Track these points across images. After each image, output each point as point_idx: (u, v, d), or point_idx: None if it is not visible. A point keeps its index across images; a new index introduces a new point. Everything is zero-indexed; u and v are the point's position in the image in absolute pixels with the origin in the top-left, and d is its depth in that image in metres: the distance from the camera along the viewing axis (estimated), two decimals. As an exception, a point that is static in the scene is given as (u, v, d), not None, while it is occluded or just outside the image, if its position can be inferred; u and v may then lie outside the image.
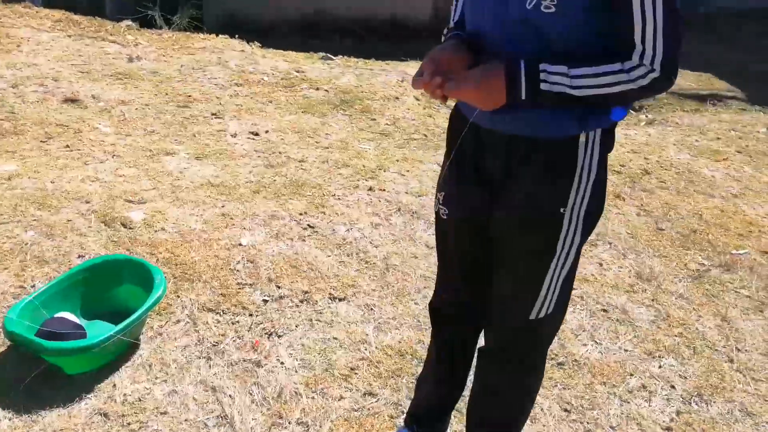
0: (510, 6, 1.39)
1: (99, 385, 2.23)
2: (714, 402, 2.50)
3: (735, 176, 4.61)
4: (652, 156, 4.78)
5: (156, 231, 3.03)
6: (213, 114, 4.31)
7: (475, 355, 1.89)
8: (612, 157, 4.74)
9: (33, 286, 2.61)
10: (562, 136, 1.45)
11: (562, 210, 1.50)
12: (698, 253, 3.52)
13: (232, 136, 4.03)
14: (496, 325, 1.73)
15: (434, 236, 1.84)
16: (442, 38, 1.61)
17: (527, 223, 1.54)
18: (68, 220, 3.02)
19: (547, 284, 1.58)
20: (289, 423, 2.17)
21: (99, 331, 2.41)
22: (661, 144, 5.08)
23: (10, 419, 2.05)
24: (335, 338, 2.57)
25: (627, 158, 4.67)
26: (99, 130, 3.86)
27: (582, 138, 1.45)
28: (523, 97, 1.36)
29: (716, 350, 2.79)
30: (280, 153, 3.90)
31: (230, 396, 2.24)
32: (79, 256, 2.81)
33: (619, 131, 5.24)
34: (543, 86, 1.35)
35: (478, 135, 1.55)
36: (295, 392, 2.29)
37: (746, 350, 2.82)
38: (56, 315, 2.37)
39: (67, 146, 3.65)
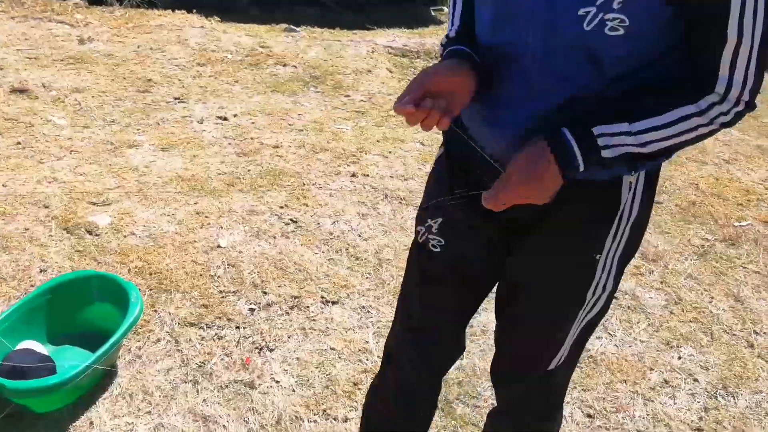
0: (560, 25, 1.05)
1: (74, 424, 1.97)
2: (740, 394, 2.36)
3: (723, 141, 4.48)
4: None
5: (125, 236, 2.74)
6: (176, 98, 3.97)
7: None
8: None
9: (-11, 310, 2.32)
10: (607, 177, 1.16)
11: (596, 257, 1.23)
12: (700, 227, 3.37)
13: (198, 122, 3.72)
14: (507, 382, 1.47)
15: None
16: (441, 53, 1.26)
17: (555, 269, 1.26)
18: (26, 229, 2.71)
19: (571, 335, 1.32)
20: (293, 453, 1.96)
21: (69, 358, 2.14)
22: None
23: (-28, 473, 1.80)
24: (333, 348, 2.35)
25: (614, 126, 4.49)
26: (53, 123, 3.51)
27: (628, 179, 1.17)
28: (583, 170, 1.07)
29: (734, 335, 2.65)
30: (252, 139, 3.61)
31: (223, 426, 2.01)
32: (41, 270, 2.51)
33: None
34: (605, 153, 1.06)
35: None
36: (296, 416, 2.07)
37: (764, 333, 2.68)
38: (20, 345, 2.09)
39: (19, 143, 3.30)
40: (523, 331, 1.37)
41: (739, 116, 1.04)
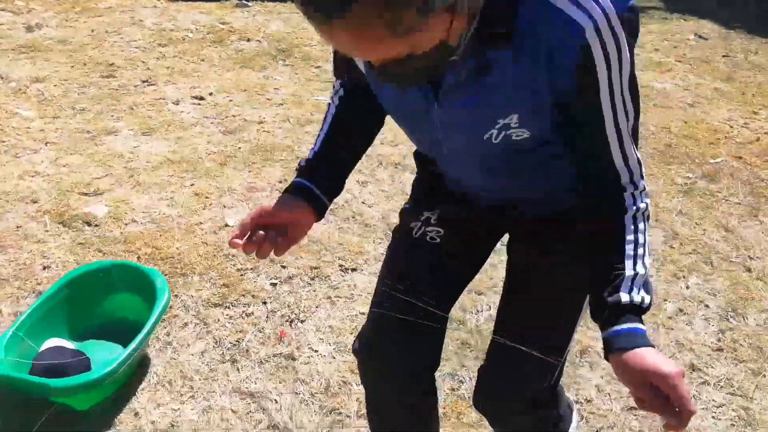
0: (472, 146, 1.15)
1: (119, 417, 1.92)
2: (749, 314, 2.49)
3: (683, 86, 4.64)
4: (601, 73, 4.71)
5: (126, 224, 2.64)
6: (144, 81, 3.83)
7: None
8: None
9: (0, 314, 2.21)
10: None
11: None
12: (680, 167, 3.50)
13: (174, 103, 3.60)
14: (504, 393, 1.38)
15: None
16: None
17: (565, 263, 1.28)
18: (18, 227, 2.58)
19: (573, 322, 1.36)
20: (349, 417, 1.96)
21: (99, 352, 2.08)
22: (604, 59, 5.02)
23: (27, 476, 1.73)
24: (362, 313, 2.35)
25: (579, 78, 4.59)
26: (20, 116, 3.34)
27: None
28: (644, 327, 1.05)
29: (732, 262, 2.78)
30: (233, 116, 3.52)
31: (274, 400, 1.99)
32: (44, 267, 2.41)
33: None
34: (646, 300, 1.06)
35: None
36: (343, 381, 2.07)
37: (758, 257, 2.83)
38: (46, 344, 2.01)
39: (-12, 139, 3.13)
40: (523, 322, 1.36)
41: (645, 192, 1.12)
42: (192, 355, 2.13)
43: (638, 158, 1.11)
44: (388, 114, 1.26)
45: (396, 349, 1.38)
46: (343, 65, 1.28)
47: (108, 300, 2.17)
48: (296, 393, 2.02)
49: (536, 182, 1.26)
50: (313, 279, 2.48)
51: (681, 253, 2.80)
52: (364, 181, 3.08)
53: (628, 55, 0.99)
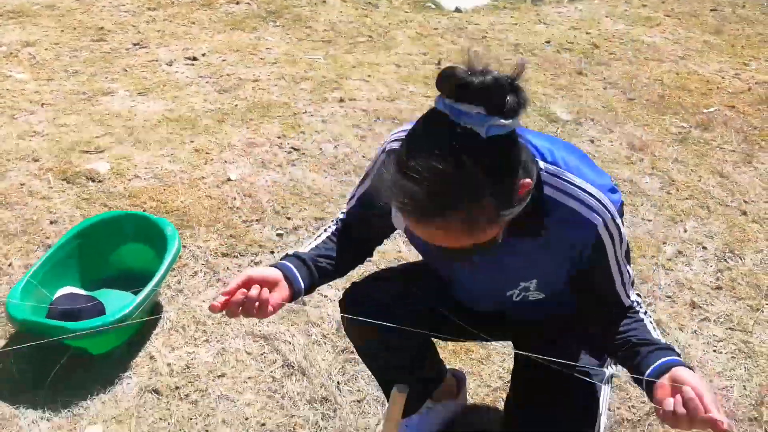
0: (493, 298, 1.38)
1: (134, 361, 1.95)
2: (745, 255, 2.55)
3: (673, 39, 4.66)
4: (592, 30, 4.73)
5: (129, 180, 2.65)
6: (135, 44, 3.80)
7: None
8: (557, 35, 4.65)
9: (10, 265, 2.22)
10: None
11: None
12: (674, 117, 3.54)
13: (167, 64, 3.58)
14: None
15: None
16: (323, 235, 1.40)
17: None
18: (21, 184, 2.58)
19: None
20: (361, 357, 2.00)
21: (112, 300, 2.10)
22: (595, 17, 5.03)
23: (49, 419, 1.75)
24: (368, 261, 2.37)
25: (571, 35, 4.60)
26: (13, 78, 3.31)
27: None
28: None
29: (728, 206, 2.84)
30: (228, 75, 3.51)
31: (287, 341, 2.03)
32: (51, 222, 2.41)
33: (551, 9, 5.16)
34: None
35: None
36: (354, 324, 2.11)
37: (753, 201, 2.89)
38: (60, 292, 2.03)
39: (-17, 101, 3.10)
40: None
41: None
42: (203, 301, 2.16)
43: (633, 292, 1.33)
44: (415, 245, 1.42)
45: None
46: (364, 218, 1.40)
47: (119, 250, 2.19)
48: (308, 335, 2.06)
49: (539, 314, 1.44)
50: (318, 229, 2.50)
51: (678, 199, 2.85)
52: (362, 135, 3.09)
53: (624, 232, 1.23)
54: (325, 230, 1.41)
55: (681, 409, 1.04)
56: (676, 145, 3.27)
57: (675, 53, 4.42)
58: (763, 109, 3.62)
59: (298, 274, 1.25)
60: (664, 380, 1.10)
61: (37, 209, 2.46)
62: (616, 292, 1.28)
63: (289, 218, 2.54)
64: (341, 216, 1.44)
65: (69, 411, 1.78)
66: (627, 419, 1.87)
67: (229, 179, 2.71)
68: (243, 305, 1.15)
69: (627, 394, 1.94)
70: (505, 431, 1.58)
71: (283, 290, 1.21)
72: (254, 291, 1.15)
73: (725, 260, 2.52)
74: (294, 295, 1.24)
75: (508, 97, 0.98)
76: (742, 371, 2.05)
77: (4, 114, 3.02)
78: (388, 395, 1.65)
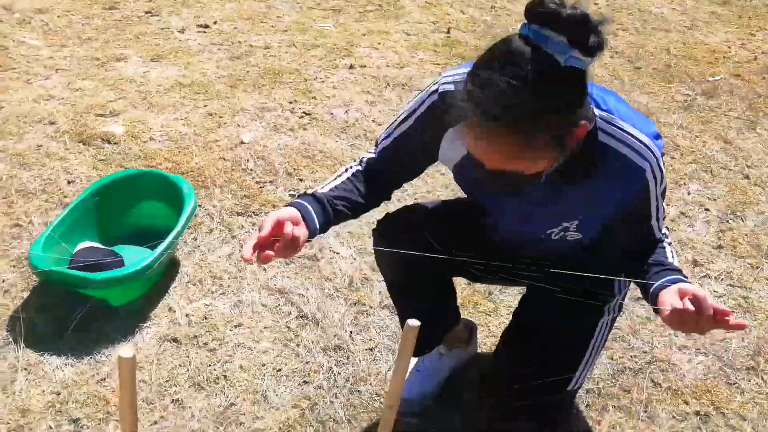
0: (532, 237, 1.44)
1: (154, 312, 2.02)
2: (747, 216, 2.61)
3: (681, 10, 4.67)
4: (600, 1, 4.74)
5: (145, 142, 2.71)
6: (147, 12, 3.83)
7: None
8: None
9: (30, 222, 2.29)
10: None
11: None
12: (680, 86, 3.57)
13: (179, 32, 3.62)
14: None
15: None
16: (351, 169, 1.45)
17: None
18: (38, 146, 2.64)
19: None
20: (372, 308, 2.07)
21: (129, 255, 2.16)
22: (602, -12, 5.03)
23: (73, 365, 1.83)
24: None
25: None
26: (27, 44, 3.35)
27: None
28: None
29: (730, 170, 2.89)
30: (240, 43, 3.55)
31: (301, 295, 2.10)
32: (69, 182, 2.48)
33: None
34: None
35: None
36: (365, 278, 2.17)
37: (755, 165, 2.93)
38: (80, 246, 2.10)
39: (-1, 66, 3.15)
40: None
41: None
42: (219, 257, 2.23)
43: (664, 226, 1.44)
44: (463, 181, 1.49)
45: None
46: (396, 159, 1.45)
47: (136, 207, 2.25)
48: (322, 289, 2.13)
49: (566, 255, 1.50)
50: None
51: (682, 163, 2.90)
52: (372, 101, 3.14)
53: (665, 173, 1.33)
54: (346, 170, 1.46)
55: (689, 305, 1.15)
56: (681, 112, 3.30)
57: (682, 23, 4.43)
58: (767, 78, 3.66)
59: (314, 214, 1.31)
60: (671, 289, 1.20)
61: (54, 170, 2.52)
62: (650, 226, 1.38)
63: (301, 180, 2.60)
64: (368, 156, 1.48)
65: (91, 358, 1.85)
66: (629, 368, 1.94)
67: (242, 142, 2.76)
68: (279, 247, 1.20)
69: (628, 345, 2.01)
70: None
71: (303, 229, 1.27)
72: (288, 229, 1.21)
73: (727, 221, 2.58)
74: (310, 235, 1.30)
75: (591, 36, 1.05)
76: (742, 325, 2.11)
77: (19, 79, 3.07)
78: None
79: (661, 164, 1.30)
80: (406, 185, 2.54)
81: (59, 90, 3.00)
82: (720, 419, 1.81)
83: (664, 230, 1.43)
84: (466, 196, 1.59)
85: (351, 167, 1.47)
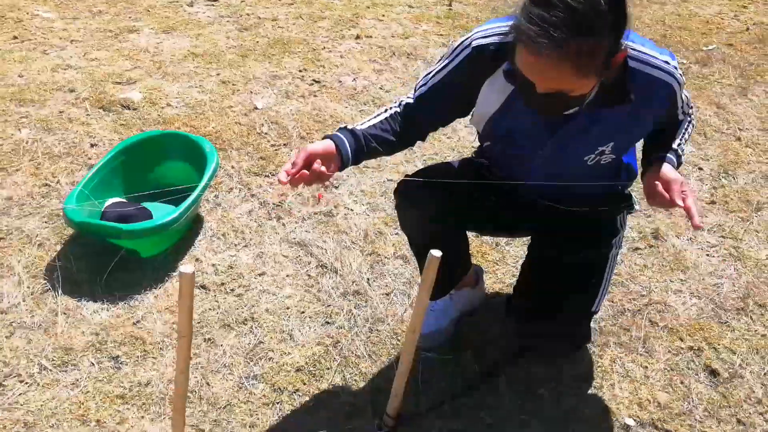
0: (569, 165, 1.57)
1: (181, 262, 2.15)
2: (738, 175, 2.74)
3: (675, -17, 4.78)
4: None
5: (162, 108, 2.81)
6: (155, -14, 3.91)
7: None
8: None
9: (58, 182, 2.40)
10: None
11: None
12: (675, 54, 3.69)
13: (188, 5, 3.71)
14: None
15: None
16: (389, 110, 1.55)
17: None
18: (60, 112, 2.74)
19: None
20: (387, 258, 2.19)
21: (156, 211, 2.28)
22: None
23: (108, 309, 1.95)
24: (390, 179, 2.56)
25: (576, -21, 4.71)
26: (41, 17, 3.44)
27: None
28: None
29: (723, 133, 3.02)
30: (248, 15, 3.64)
31: (319, 246, 2.22)
32: (92, 145, 2.59)
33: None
34: (683, 152, 1.61)
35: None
36: (379, 232, 2.30)
37: (747, 129, 3.06)
38: (109, 201, 2.21)
39: (15, 37, 3.24)
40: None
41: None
42: (240, 214, 2.35)
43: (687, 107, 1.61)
44: (498, 133, 1.59)
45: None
46: (433, 104, 1.56)
47: (160, 167, 2.36)
48: (339, 241, 2.25)
49: (581, 188, 1.63)
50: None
51: (677, 127, 3.03)
52: (379, 69, 3.25)
53: (681, 72, 1.50)
54: (386, 110, 1.56)
55: (660, 189, 1.46)
56: (676, 80, 3.43)
57: (677, -4, 4.54)
58: (759, 48, 3.77)
59: (348, 147, 1.43)
60: (653, 171, 1.51)
61: (77, 134, 2.63)
62: (676, 116, 1.57)
63: (313, 143, 2.71)
64: (408, 100, 1.57)
65: (125, 303, 1.98)
66: (628, 309, 2.08)
67: (255, 108, 2.87)
68: (306, 178, 1.35)
69: (627, 289, 2.15)
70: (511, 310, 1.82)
71: (335, 161, 1.40)
72: (315, 166, 1.35)
73: (719, 179, 2.71)
74: (342, 166, 1.43)
75: None
76: (732, 271, 2.26)
77: (36, 50, 3.16)
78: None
79: (679, 70, 1.47)
80: (415, 147, 2.67)
81: (76, 60, 3.10)
82: (712, 353, 1.95)
83: (687, 110, 1.59)
84: (484, 152, 1.73)
85: (390, 108, 1.57)
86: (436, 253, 1.41)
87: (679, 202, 1.45)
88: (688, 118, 1.61)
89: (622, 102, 1.41)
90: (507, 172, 1.67)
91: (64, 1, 3.64)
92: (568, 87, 1.28)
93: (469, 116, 1.63)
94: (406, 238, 1.86)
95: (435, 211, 1.65)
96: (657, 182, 1.48)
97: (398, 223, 1.87)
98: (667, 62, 1.42)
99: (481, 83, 1.49)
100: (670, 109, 1.51)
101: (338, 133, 1.46)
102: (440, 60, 1.55)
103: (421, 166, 2.61)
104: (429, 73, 1.56)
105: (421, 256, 1.85)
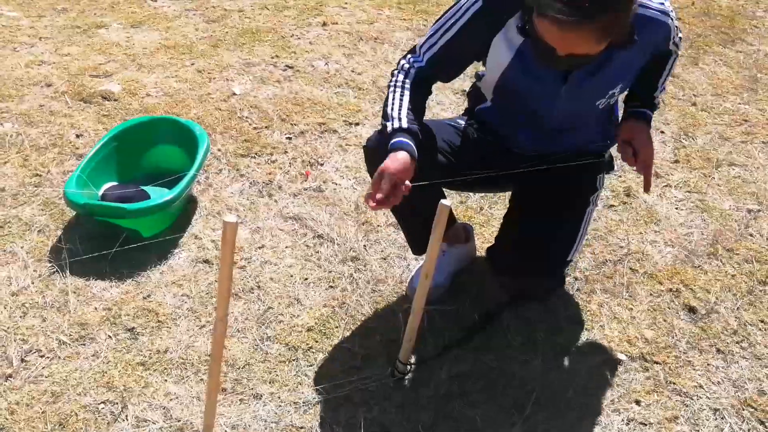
0: (582, 110, 1.71)
1: (182, 240, 2.20)
2: (698, 135, 2.93)
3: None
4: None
5: (143, 98, 2.84)
6: (117, -18, 3.91)
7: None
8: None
9: (49, 172, 2.41)
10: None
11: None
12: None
13: (152, 0, 3.72)
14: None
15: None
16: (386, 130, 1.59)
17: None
18: (41, 105, 2.75)
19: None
20: (380, 227, 2.29)
21: (153, 193, 2.32)
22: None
23: (117, 286, 1.99)
24: (373, 155, 2.65)
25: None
26: (6, 16, 3.41)
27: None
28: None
29: (680, 99, 3.21)
30: (214, 7, 3.68)
31: (314, 219, 2.30)
32: (78, 136, 2.60)
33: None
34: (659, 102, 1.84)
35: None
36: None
37: (701, 94, 3.27)
38: (105, 186, 2.25)
39: (-18, 36, 3.21)
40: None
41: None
42: (232, 193, 2.41)
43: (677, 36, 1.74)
44: (510, 87, 1.68)
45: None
46: (447, 63, 1.66)
47: (152, 151, 2.40)
48: (331, 213, 2.34)
49: (582, 136, 1.82)
50: (323, 133, 2.76)
51: (636, 95, 3.21)
52: (349, 54, 3.34)
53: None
54: (402, 86, 1.63)
55: (626, 150, 1.72)
56: (631, 53, 3.62)
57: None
58: (705, 20, 4.00)
59: (415, 149, 1.54)
60: (625, 126, 1.75)
61: (61, 125, 2.64)
62: (667, 48, 1.69)
63: (294, 124, 2.78)
64: (416, 66, 1.64)
65: (133, 280, 2.02)
66: (609, 260, 2.22)
67: (234, 93, 2.93)
68: (393, 202, 1.50)
69: (607, 242, 2.30)
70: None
71: (412, 168, 1.52)
72: (404, 188, 1.49)
73: (681, 140, 2.90)
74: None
75: None
76: (700, 221, 2.43)
77: (5, 47, 3.14)
78: (409, 239, 1.97)
79: (676, 19, 1.63)
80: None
81: (48, 56, 3.10)
82: (689, 293, 2.11)
83: (677, 40, 1.71)
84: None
85: (402, 81, 1.64)
86: (446, 202, 1.51)
87: (641, 173, 1.75)
88: (676, 50, 1.75)
89: (628, 44, 1.52)
90: (512, 129, 1.80)
91: (26, 0, 3.61)
92: (591, 51, 1.41)
93: (477, 74, 1.77)
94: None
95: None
96: (629, 148, 1.72)
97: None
98: (663, 2, 1.57)
99: (493, 36, 1.59)
100: (666, 40, 1.64)
101: (403, 140, 1.53)
102: (446, 16, 1.62)
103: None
104: (434, 34, 1.63)
105: (400, 214, 1.94)
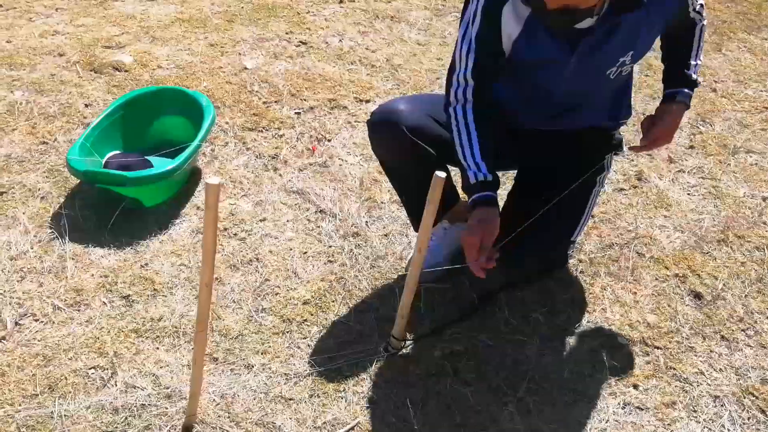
0: (593, 80, 1.67)
1: (183, 211, 2.20)
2: (715, 122, 2.85)
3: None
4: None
5: (154, 69, 2.84)
6: (136, -44, 3.91)
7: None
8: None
9: (56, 140, 2.43)
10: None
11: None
12: (650, 14, 3.79)
13: (170, -27, 3.72)
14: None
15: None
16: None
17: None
18: (52, 75, 2.76)
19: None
20: (383, 203, 2.26)
21: (156, 164, 2.32)
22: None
23: (115, 254, 2.00)
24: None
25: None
26: (24, -14, 3.43)
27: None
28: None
29: (700, 85, 3.12)
30: (231, -18, 3.67)
31: (317, 194, 2.29)
32: (86, 105, 2.61)
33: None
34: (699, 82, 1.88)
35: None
36: (374, 180, 2.36)
37: (722, 81, 3.18)
38: (109, 155, 2.25)
39: (0, 5, 3.23)
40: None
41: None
42: (237, 166, 2.40)
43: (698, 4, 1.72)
44: (519, 58, 1.63)
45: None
46: (490, 68, 1.65)
47: (158, 121, 2.40)
48: (335, 189, 2.32)
49: (591, 113, 1.79)
50: (332, 109, 2.74)
51: (655, 80, 3.13)
52: (364, 31, 3.30)
53: None
54: (469, 122, 1.64)
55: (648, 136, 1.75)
56: (652, 37, 3.53)
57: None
58: (731, 6, 3.89)
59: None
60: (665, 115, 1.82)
61: (71, 95, 2.65)
62: (688, 14, 1.67)
63: (304, 100, 2.76)
64: (469, 89, 1.64)
65: (132, 248, 2.02)
66: (616, 243, 2.17)
67: (245, 68, 2.91)
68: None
69: (614, 225, 2.25)
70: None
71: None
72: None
73: (698, 127, 2.82)
74: None
75: None
76: (712, 208, 2.37)
77: (22, 17, 3.16)
78: (410, 213, 1.95)
79: None
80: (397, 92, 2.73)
81: (63, 26, 3.11)
82: (696, 279, 2.06)
83: (698, 8, 1.69)
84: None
85: (465, 114, 1.65)
86: (441, 174, 1.48)
87: (642, 143, 1.81)
88: (701, 18, 1.69)
89: (635, 8, 1.48)
90: (520, 104, 1.76)
91: (46, -28, 3.63)
92: (588, 4, 1.38)
93: None
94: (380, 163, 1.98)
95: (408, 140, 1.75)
96: (652, 126, 1.79)
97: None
98: None
99: (501, 10, 1.57)
100: (682, 8, 1.59)
101: (490, 194, 1.62)
102: (462, 26, 1.63)
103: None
104: (462, 49, 1.62)
105: (399, 185, 1.93)
